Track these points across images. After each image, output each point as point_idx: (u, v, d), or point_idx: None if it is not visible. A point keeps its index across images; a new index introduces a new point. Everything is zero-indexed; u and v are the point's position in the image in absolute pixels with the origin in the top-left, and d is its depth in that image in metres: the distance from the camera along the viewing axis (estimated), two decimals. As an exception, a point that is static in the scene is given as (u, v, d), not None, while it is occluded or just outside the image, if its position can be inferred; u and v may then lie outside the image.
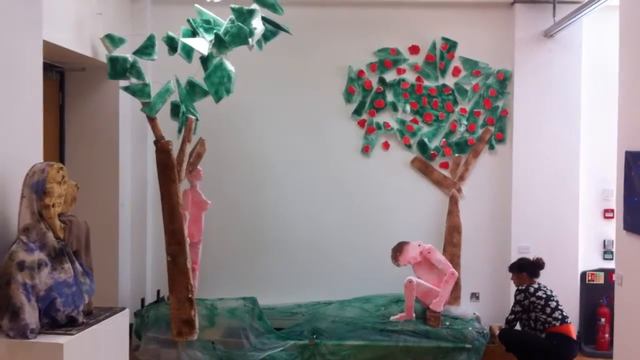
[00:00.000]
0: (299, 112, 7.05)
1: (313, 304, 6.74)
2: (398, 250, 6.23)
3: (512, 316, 5.97)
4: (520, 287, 5.98)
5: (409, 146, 7.01)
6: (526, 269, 6.04)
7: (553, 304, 5.82)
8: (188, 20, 5.75)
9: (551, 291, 5.94)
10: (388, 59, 6.97)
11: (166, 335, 5.83)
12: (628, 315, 4.62)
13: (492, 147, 6.98)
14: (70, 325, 3.57)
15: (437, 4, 6.92)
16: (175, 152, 5.78)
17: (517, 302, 5.95)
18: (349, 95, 7.01)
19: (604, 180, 6.74)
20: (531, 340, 5.83)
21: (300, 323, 6.29)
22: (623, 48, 4.77)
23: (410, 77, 6.99)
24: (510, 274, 6.17)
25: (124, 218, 6.60)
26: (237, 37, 5.65)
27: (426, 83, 6.99)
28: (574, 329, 5.89)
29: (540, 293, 5.86)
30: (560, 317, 5.78)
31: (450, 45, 6.96)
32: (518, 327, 6.09)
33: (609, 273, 6.62)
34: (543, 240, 6.75)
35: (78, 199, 3.96)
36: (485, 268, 6.95)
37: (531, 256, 6.20)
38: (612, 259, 6.58)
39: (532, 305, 5.84)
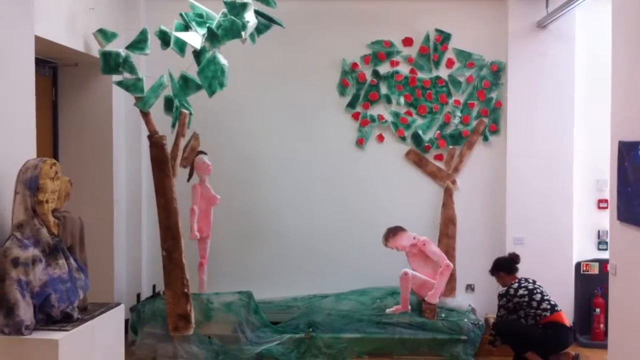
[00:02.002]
0: (292, 106, 7.03)
1: (309, 297, 6.75)
2: (392, 232, 6.24)
3: (498, 319, 5.97)
4: (500, 292, 5.97)
5: (403, 138, 7.01)
6: (502, 268, 6.05)
7: (538, 297, 5.81)
8: (181, 14, 5.73)
9: (533, 282, 5.94)
10: (382, 52, 6.96)
11: (162, 330, 5.84)
12: (622, 305, 4.63)
13: (486, 139, 6.99)
14: (66, 321, 3.58)
15: (431, -4, 6.93)
16: (169, 147, 5.78)
17: (500, 306, 5.94)
18: (342, 88, 7.00)
19: (597, 170, 6.74)
20: (526, 330, 5.84)
21: (296, 317, 6.30)
22: (616, 38, 4.77)
23: (404, 69, 6.98)
24: (494, 278, 6.18)
25: (119, 213, 6.59)
26: (229, 30, 5.65)
27: (420, 75, 6.98)
28: (565, 316, 5.89)
29: (521, 291, 5.84)
30: (549, 306, 5.78)
31: (443, 37, 6.96)
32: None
33: (603, 263, 6.63)
34: (538, 231, 6.76)
35: (72, 194, 3.96)
36: (480, 260, 6.94)
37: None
38: (606, 249, 6.62)
39: (517, 305, 5.83)
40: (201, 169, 6.30)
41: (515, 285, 5.91)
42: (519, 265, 6.07)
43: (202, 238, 6.39)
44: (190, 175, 6.34)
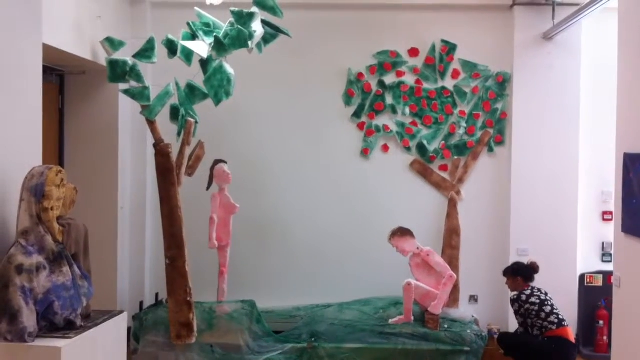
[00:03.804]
0: (298, 115, 7.05)
1: (312, 306, 6.73)
2: (401, 232, 6.21)
3: (521, 328, 5.96)
4: (512, 297, 5.97)
5: (408, 149, 7.01)
6: (521, 274, 6.02)
7: (548, 309, 5.80)
8: (188, 24, 5.76)
9: (545, 294, 5.93)
10: (387, 62, 6.98)
11: (165, 338, 5.82)
12: (626, 318, 4.62)
13: (491, 150, 6.98)
14: (69, 328, 3.59)
15: (437, 7, 6.92)
16: (174, 155, 5.79)
17: (515, 312, 5.95)
18: (348, 98, 7.01)
19: (602, 182, 6.73)
20: (530, 343, 5.82)
21: (299, 326, 6.28)
22: (622, 50, 4.77)
23: (409, 79, 6.99)
24: (505, 279, 6.16)
25: (123, 221, 6.61)
26: (236, 40, 5.66)
27: (425, 85, 6.99)
28: (571, 332, 5.87)
29: (533, 299, 5.83)
30: (556, 320, 5.76)
31: (449, 48, 6.97)
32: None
33: (607, 275, 6.61)
34: (542, 242, 6.74)
35: (77, 202, 3.98)
36: (484, 270, 6.95)
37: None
38: (610, 261, 6.57)
39: (527, 312, 5.83)
40: (221, 177, 6.32)
41: (528, 292, 5.90)
42: (535, 276, 6.05)
43: (221, 247, 6.39)
44: (210, 183, 6.36)
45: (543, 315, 5.77)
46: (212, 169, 6.35)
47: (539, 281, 6.05)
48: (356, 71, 6.99)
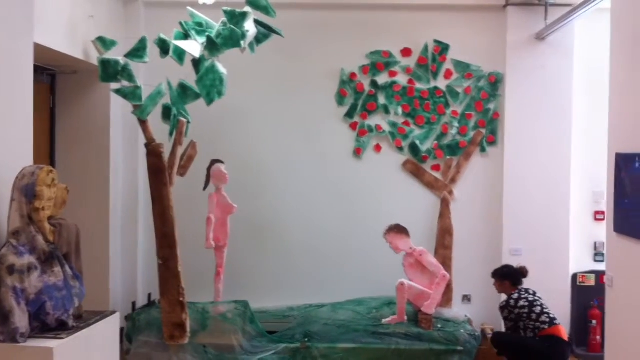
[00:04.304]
0: (291, 115, 7.04)
1: (305, 307, 6.73)
2: (397, 229, 6.22)
3: (509, 332, 5.96)
4: (501, 304, 5.96)
5: (400, 149, 7.01)
6: (509, 277, 6.02)
7: (538, 309, 5.79)
8: (180, 23, 5.75)
9: (534, 294, 5.92)
10: (380, 62, 6.98)
11: (157, 338, 5.82)
12: (619, 317, 4.63)
13: (483, 150, 6.99)
14: (61, 329, 3.57)
15: (430, 7, 6.92)
16: (166, 155, 5.77)
17: (505, 319, 5.95)
18: (341, 98, 7.01)
19: (595, 182, 6.74)
20: (523, 343, 5.82)
21: (293, 326, 6.28)
22: (614, 50, 4.78)
23: (402, 79, 7.00)
24: (493, 280, 6.16)
25: (115, 221, 6.58)
26: (229, 39, 5.66)
27: (418, 85, 6.99)
28: (564, 330, 5.87)
29: (522, 302, 5.82)
30: (547, 319, 5.76)
31: (442, 48, 6.97)
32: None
33: (600, 275, 6.63)
34: (534, 242, 6.76)
35: (69, 202, 3.95)
36: (477, 270, 6.94)
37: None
38: (603, 261, 6.59)
39: (518, 316, 5.81)
40: (217, 177, 6.32)
41: (516, 295, 5.89)
42: (528, 275, 6.05)
43: (219, 247, 6.39)
44: (207, 184, 6.35)
45: (534, 316, 5.77)
46: (209, 169, 6.34)
47: (531, 281, 6.04)
48: (349, 71, 6.99)
